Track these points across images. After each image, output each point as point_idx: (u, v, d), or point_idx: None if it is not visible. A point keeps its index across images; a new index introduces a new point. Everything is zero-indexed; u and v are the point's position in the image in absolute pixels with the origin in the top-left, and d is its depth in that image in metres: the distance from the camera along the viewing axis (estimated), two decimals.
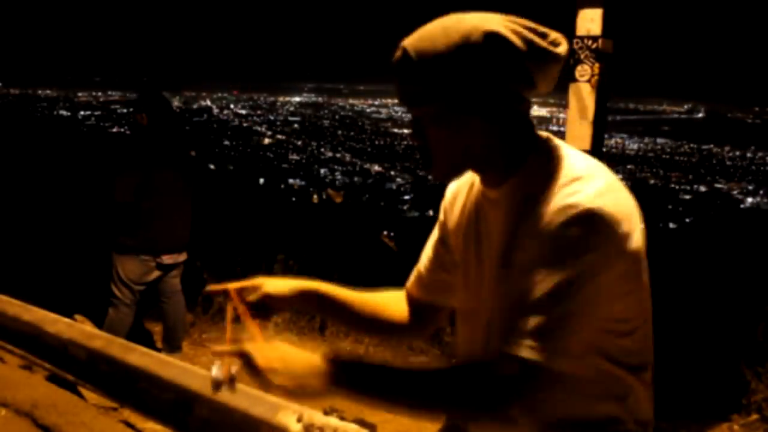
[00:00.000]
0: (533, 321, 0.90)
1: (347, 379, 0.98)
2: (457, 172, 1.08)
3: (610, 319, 0.97)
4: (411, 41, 0.99)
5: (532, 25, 0.98)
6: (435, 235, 1.27)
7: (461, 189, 1.19)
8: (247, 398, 1.81)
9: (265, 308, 1.22)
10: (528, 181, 1.00)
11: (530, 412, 0.98)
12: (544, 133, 1.05)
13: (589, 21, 2.72)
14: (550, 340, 0.90)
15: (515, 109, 1.00)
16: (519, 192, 1.01)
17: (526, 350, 0.90)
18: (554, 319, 0.90)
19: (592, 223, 0.90)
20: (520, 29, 0.96)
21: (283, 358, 1.03)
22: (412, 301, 1.32)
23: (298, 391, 1.00)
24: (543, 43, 0.96)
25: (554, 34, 0.99)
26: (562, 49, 0.98)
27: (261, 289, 1.22)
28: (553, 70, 0.99)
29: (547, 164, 0.99)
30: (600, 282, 0.92)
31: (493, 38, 0.94)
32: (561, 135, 2.18)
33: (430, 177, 1.08)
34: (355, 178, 47.12)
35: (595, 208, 0.91)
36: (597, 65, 2.73)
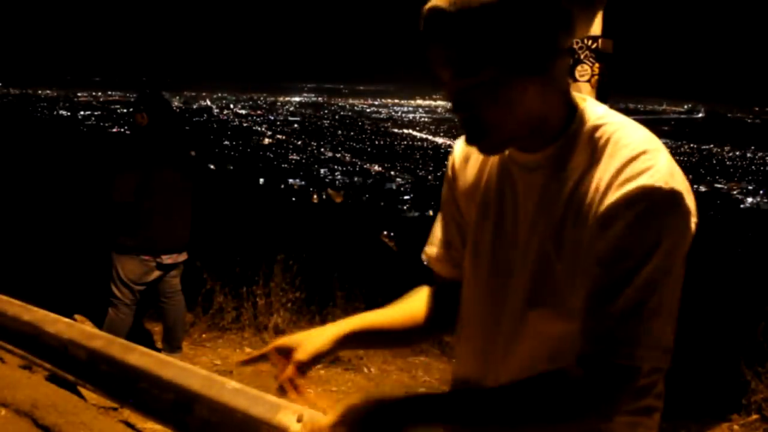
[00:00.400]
0: (623, 321, 0.82)
1: (414, 415, 0.88)
2: (514, 142, 0.95)
3: None
4: (451, 5, 0.85)
5: None
6: (444, 207, 1.15)
7: (473, 151, 1.06)
8: (247, 398, 1.81)
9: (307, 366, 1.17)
10: (576, 149, 0.91)
11: (659, 399, 0.98)
12: (581, 95, 0.97)
13: None
14: (648, 338, 0.82)
15: (563, 65, 0.91)
16: (565, 160, 0.92)
17: (625, 355, 0.82)
18: (649, 315, 0.82)
19: (673, 204, 0.83)
20: None
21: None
22: (439, 287, 1.19)
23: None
24: None
25: None
26: None
27: (300, 349, 1.18)
28: (594, 11, 0.91)
29: (598, 131, 0.91)
30: (678, 267, 0.85)
31: None
32: None
33: (480, 149, 0.96)
34: (355, 178, 47.13)
35: (673, 188, 0.83)
36: (597, 65, 2.73)
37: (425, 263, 1.20)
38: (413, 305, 1.20)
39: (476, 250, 1.04)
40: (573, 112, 0.94)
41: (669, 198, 0.83)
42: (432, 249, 1.17)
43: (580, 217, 0.89)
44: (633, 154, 0.86)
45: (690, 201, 0.86)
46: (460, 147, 1.11)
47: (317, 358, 1.15)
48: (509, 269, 0.98)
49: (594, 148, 0.90)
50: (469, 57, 0.86)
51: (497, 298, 1.00)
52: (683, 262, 0.87)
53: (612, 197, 0.85)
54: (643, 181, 0.83)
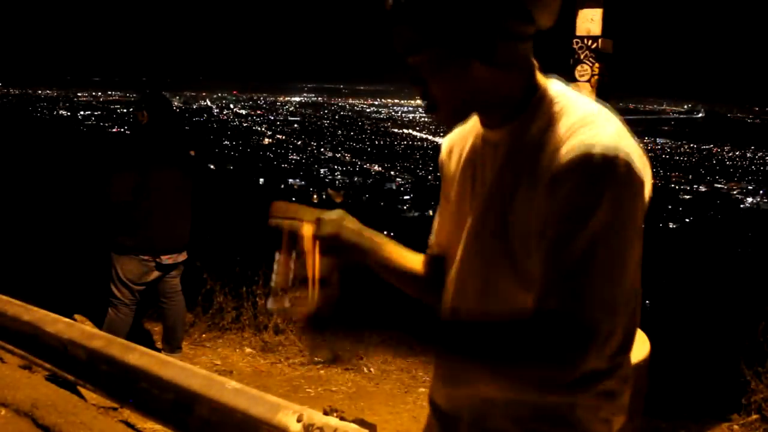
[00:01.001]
0: (570, 274, 0.85)
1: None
2: (462, 116, 1.05)
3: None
4: None
5: None
6: (441, 195, 1.23)
7: (457, 139, 1.16)
8: (247, 398, 1.82)
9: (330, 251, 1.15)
10: (533, 122, 0.97)
11: (624, 382, 0.99)
12: (549, 76, 1.02)
13: (589, 21, 2.72)
14: (589, 292, 0.84)
15: (516, 48, 0.95)
16: (523, 133, 0.98)
17: (564, 304, 0.85)
18: (591, 269, 0.84)
19: (615, 165, 0.86)
20: None
21: None
22: (434, 261, 1.25)
23: None
24: None
25: None
26: None
27: (332, 226, 1.16)
28: (553, 1, 0.95)
29: (554, 105, 0.96)
30: (627, 233, 0.87)
31: None
32: None
33: (436, 120, 1.03)
34: (355, 178, 47.13)
35: (616, 147, 0.87)
36: (597, 65, 2.73)
37: (427, 252, 1.27)
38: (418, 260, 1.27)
39: (458, 225, 1.10)
40: (534, 91, 0.99)
41: (610, 162, 0.86)
42: (431, 237, 1.27)
43: (532, 180, 0.93)
44: (581, 118, 0.92)
45: (638, 167, 0.88)
46: (445, 142, 1.20)
47: (342, 248, 1.18)
48: (478, 239, 1.04)
49: (549, 118, 0.95)
50: (415, 36, 0.93)
51: (467, 266, 1.06)
52: (637, 232, 0.89)
53: (558, 161, 0.89)
54: (587, 141, 0.87)
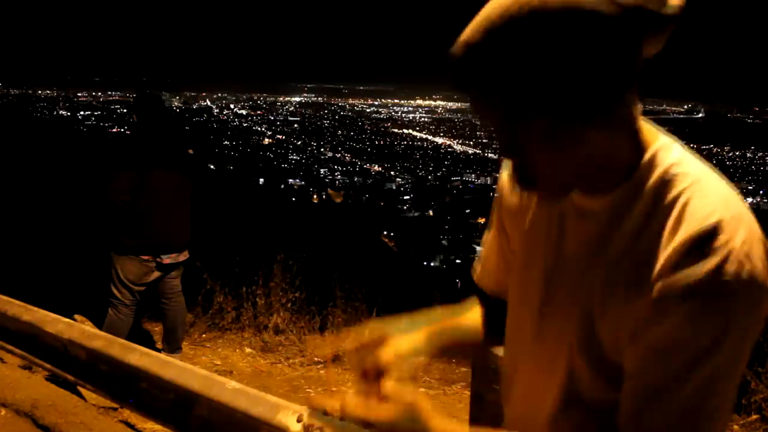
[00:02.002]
0: (683, 422, 0.72)
1: None
2: (569, 190, 0.83)
3: None
4: (487, 41, 0.71)
5: None
6: (492, 226, 1.07)
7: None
8: (247, 398, 1.81)
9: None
10: (639, 198, 0.79)
11: None
12: (659, 129, 0.83)
13: None
14: None
15: (632, 100, 0.77)
16: (625, 209, 0.80)
17: None
18: (705, 418, 0.72)
19: (745, 294, 0.70)
20: None
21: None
22: (485, 299, 1.12)
23: None
24: (650, 5, 0.71)
25: None
26: (676, 4, 0.73)
27: (387, 351, 0.95)
28: (663, 37, 0.75)
29: (668, 181, 0.77)
30: (743, 362, 0.73)
31: (597, 18, 0.68)
32: None
33: (538, 197, 0.88)
34: (355, 178, 47.14)
35: (751, 274, 0.70)
36: None
37: (474, 281, 1.13)
38: (475, 317, 1.12)
39: (522, 285, 0.95)
40: (641, 154, 0.80)
41: (741, 286, 0.70)
42: (478, 265, 1.12)
43: (630, 280, 0.77)
44: (705, 227, 0.72)
45: (766, 277, 0.71)
46: (506, 170, 1.02)
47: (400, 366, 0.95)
48: (553, 315, 0.89)
49: (659, 203, 0.77)
50: (518, 104, 0.73)
51: (543, 339, 0.91)
52: (750, 351, 0.74)
53: (674, 277, 0.72)
54: (712, 264, 0.70)
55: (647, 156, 0.79)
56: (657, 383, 0.73)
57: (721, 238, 0.71)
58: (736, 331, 0.71)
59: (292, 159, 53.33)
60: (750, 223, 0.73)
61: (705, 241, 0.71)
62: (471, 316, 1.12)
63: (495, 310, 1.08)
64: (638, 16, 0.70)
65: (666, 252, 0.73)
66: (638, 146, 0.80)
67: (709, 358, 0.70)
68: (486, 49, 0.72)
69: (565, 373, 0.86)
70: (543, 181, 0.80)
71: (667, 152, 0.80)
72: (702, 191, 0.75)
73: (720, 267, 0.70)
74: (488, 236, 1.09)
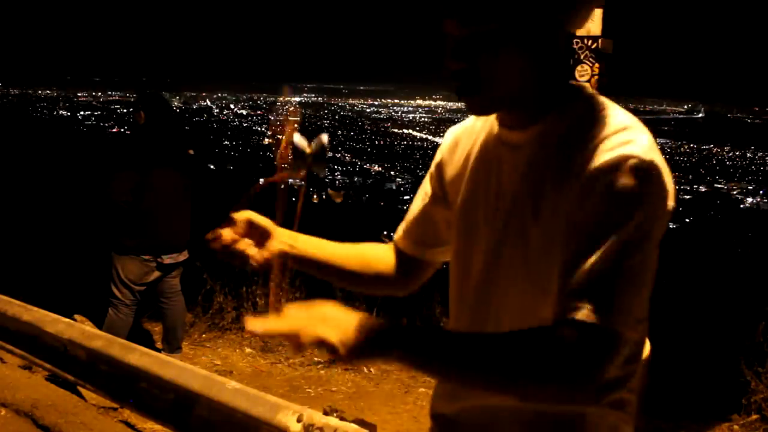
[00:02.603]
0: (597, 282, 0.82)
1: (400, 339, 0.86)
2: (500, 106, 0.97)
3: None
4: None
5: None
6: (426, 187, 1.19)
7: (463, 136, 1.11)
8: (247, 398, 1.82)
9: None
10: (563, 125, 0.94)
11: (633, 393, 0.98)
12: (579, 82, 1.00)
13: (589, 21, 2.72)
14: (617, 301, 0.82)
15: (559, 42, 0.95)
16: (551, 135, 0.94)
17: (590, 314, 0.80)
18: (619, 278, 0.82)
19: (650, 176, 0.85)
20: None
21: (326, 316, 0.90)
22: (399, 254, 1.24)
23: (343, 345, 0.86)
24: None
25: None
26: None
27: (277, 243, 1.16)
28: (592, 6, 0.97)
29: (587, 110, 0.94)
30: (652, 244, 0.86)
31: None
32: None
33: (470, 105, 0.97)
34: (355, 178, 47.13)
35: (651, 160, 0.85)
36: (597, 65, 2.73)
37: (394, 240, 1.26)
38: (375, 252, 1.26)
39: (468, 232, 1.05)
40: (566, 92, 0.97)
41: (646, 169, 0.85)
42: (401, 227, 1.24)
43: (558, 186, 0.90)
44: (616, 128, 0.89)
45: (668, 180, 0.88)
46: (450, 134, 1.15)
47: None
48: (498, 245, 1.00)
49: (580, 125, 0.92)
50: (477, 6, 0.89)
51: (486, 276, 1.02)
52: (657, 244, 0.88)
53: (593, 164, 0.86)
54: (623, 150, 0.85)
55: (569, 94, 0.96)
56: (579, 252, 0.83)
57: (632, 134, 0.88)
58: (643, 209, 0.84)
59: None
60: (651, 136, 0.90)
61: (618, 135, 0.87)
62: (356, 247, 1.25)
63: (408, 267, 1.23)
64: None
65: (585, 151, 0.88)
66: (570, 90, 0.97)
67: (622, 228, 0.82)
68: None
69: (510, 293, 0.97)
70: (484, 88, 0.93)
71: (587, 93, 0.98)
72: (614, 111, 0.93)
73: (631, 153, 0.85)
74: (417, 201, 1.21)
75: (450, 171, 1.12)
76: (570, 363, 0.81)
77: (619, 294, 0.82)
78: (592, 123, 0.91)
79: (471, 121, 1.11)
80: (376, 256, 1.25)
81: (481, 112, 1.01)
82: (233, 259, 1.18)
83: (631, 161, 0.84)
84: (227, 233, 1.19)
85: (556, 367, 0.81)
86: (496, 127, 1.03)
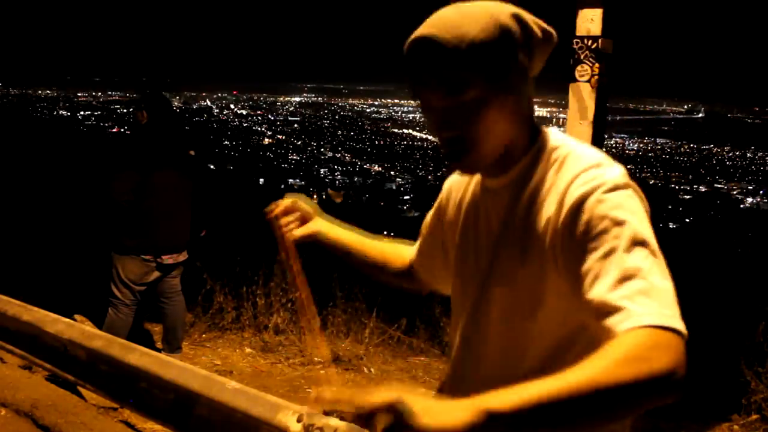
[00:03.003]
0: (647, 283, 0.85)
1: (508, 417, 0.74)
2: (489, 160, 1.04)
3: None
4: (436, 30, 0.97)
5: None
6: (431, 221, 1.30)
7: (455, 185, 1.22)
8: (247, 398, 1.81)
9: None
10: (536, 167, 1.03)
11: None
12: (545, 128, 1.09)
13: (589, 21, 2.72)
14: (670, 294, 0.86)
15: (528, 87, 1.04)
16: (527, 177, 1.03)
17: (672, 320, 0.81)
18: (658, 271, 0.87)
19: (631, 187, 0.94)
20: (524, 15, 1.01)
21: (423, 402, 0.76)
22: (412, 267, 1.38)
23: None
24: (545, 27, 1.03)
25: (542, 23, 1.04)
26: (554, 35, 1.05)
27: (309, 225, 1.39)
28: (545, 54, 1.05)
29: (558, 150, 1.02)
30: (647, 227, 0.92)
31: (518, 19, 0.99)
32: None
33: (461, 167, 1.08)
34: (355, 178, 47.11)
35: (627, 182, 0.94)
36: (597, 65, 2.73)
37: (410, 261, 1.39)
38: (395, 250, 1.42)
39: (461, 269, 1.15)
40: (535, 136, 1.06)
41: (624, 186, 0.94)
42: (415, 252, 1.38)
43: (539, 223, 0.98)
44: (590, 164, 0.97)
45: (643, 197, 0.96)
46: (447, 182, 1.26)
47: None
48: (485, 277, 1.08)
49: (553, 165, 1.01)
50: (459, 78, 0.97)
51: (477, 306, 1.09)
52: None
53: (570, 200, 0.94)
54: (598, 180, 0.94)
55: (540, 136, 1.05)
56: (599, 261, 0.88)
57: (603, 169, 0.96)
58: (636, 212, 0.91)
59: (292, 159, 53.30)
60: (622, 168, 0.98)
61: (591, 171, 0.96)
62: (384, 243, 1.42)
63: (417, 278, 1.37)
64: (512, 35, 0.99)
65: (563, 186, 0.96)
66: (532, 133, 1.06)
67: (624, 229, 0.89)
68: (445, 40, 0.96)
69: (509, 331, 1.04)
70: (473, 150, 1.01)
71: (552, 135, 1.06)
72: (583, 150, 1.02)
73: (601, 180, 0.93)
74: (427, 228, 1.32)
75: (446, 216, 1.23)
76: (664, 369, 0.77)
77: (662, 290, 0.85)
78: (564, 162, 1.00)
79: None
80: (401, 257, 1.39)
81: (471, 171, 1.09)
82: (277, 229, 1.37)
83: (610, 183, 0.93)
84: (281, 206, 1.37)
85: (655, 378, 0.77)
86: (478, 177, 1.13)
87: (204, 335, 4.53)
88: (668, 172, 47.98)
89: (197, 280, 4.51)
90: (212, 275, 4.60)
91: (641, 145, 63.27)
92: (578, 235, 0.92)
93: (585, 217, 0.92)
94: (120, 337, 2.92)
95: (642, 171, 48.82)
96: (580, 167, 0.97)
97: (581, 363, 0.78)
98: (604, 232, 0.89)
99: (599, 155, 1.00)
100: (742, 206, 38.80)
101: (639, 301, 0.83)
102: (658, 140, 66.01)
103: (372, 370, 3.99)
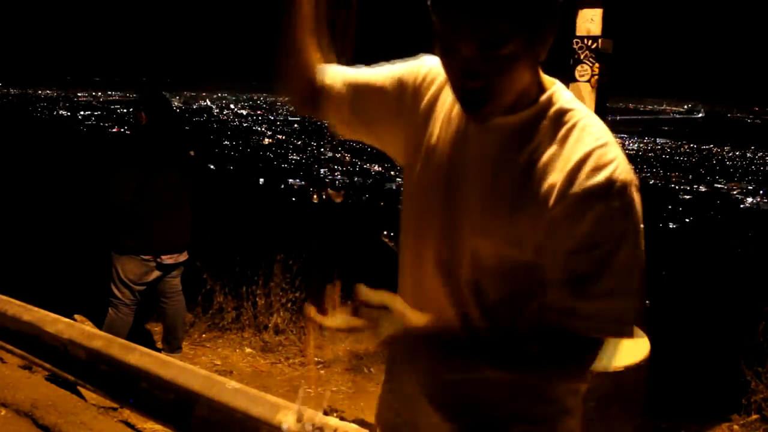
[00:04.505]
0: (615, 298, 0.95)
1: (461, 343, 1.04)
2: (503, 109, 1.00)
3: None
4: None
5: None
6: (393, 75, 1.17)
7: (442, 81, 1.11)
8: (247, 398, 1.81)
9: None
10: (541, 122, 1.00)
11: None
12: (552, 79, 1.05)
13: (589, 21, 2.72)
14: (629, 314, 0.96)
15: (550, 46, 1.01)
16: (528, 129, 1.00)
17: (615, 331, 0.98)
18: (627, 294, 0.95)
19: (634, 196, 0.94)
20: None
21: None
22: (323, 85, 1.21)
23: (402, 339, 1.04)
24: None
25: None
26: None
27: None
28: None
29: (567, 112, 0.99)
30: (642, 239, 0.96)
31: None
32: None
33: (477, 117, 1.00)
34: (355, 178, 47.10)
35: (633, 180, 0.94)
36: (597, 65, 2.73)
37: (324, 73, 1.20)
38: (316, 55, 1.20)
39: (423, 189, 1.10)
40: (543, 89, 1.02)
41: (629, 185, 0.93)
42: (335, 73, 1.20)
43: (537, 186, 0.97)
44: (599, 144, 0.95)
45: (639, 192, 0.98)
46: (428, 68, 1.14)
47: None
48: (460, 208, 1.04)
49: (560, 129, 0.98)
50: (500, 32, 0.90)
51: (440, 261, 1.06)
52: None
53: (580, 185, 0.93)
54: (610, 173, 0.93)
55: (548, 91, 1.01)
56: (585, 274, 0.93)
57: (611, 151, 0.94)
58: (634, 224, 0.93)
59: (292, 159, 53.28)
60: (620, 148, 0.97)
61: (601, 154, 0.94)
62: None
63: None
64: None
65: (571, 164, 0.94)
66: (541, 83, 1.02)
67: (621, 247, 0.93)
68: None
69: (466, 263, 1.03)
70: (493, 102, 0.97)
71: (563, 92, 1.03)
72: (592, 121, 0.99)
73: (614, 174, 0.92)
74: (375, 73, 1.19)
75: (415, 100, 1.13)
76: (576, 364, 1.01)
77: (626, 309, 0.96)
78: (573, 131, 0.97)
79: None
80: (317, 64, 1.20)
81: (484, 120, 1.02)
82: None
83: (620, 184, 0.92)
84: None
85: (565, 367, 1.02)
86: None
87: (204, 335, 4.53)
88: (668, 172, 47.95)
89: (197, 280, 4.51)
90: (212, 275, 4.60)
91: (641, 145, 63.21)
92: (577, 229, 0.93)
93: (590, 216, 0.92)
94: (120, 337, 2.92)
95: (642, 171, 48.77)
96: (589, 145, 0.95)
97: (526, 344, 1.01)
98: (601, 243, 0.93)
99: (602, 130, 0.98)
100: (742, 206, 38.79)
101: (599, 312, 0.95)
102: (658, 140, 65.98)
103: (372, 370, 3.99)
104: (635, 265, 0.94)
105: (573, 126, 0.98)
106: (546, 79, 1.03)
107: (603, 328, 0.96)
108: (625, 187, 0.92)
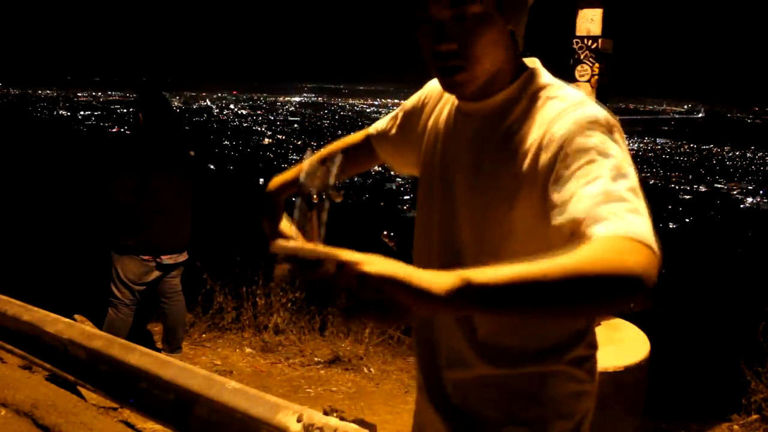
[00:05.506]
0: (630, 202, 0.86)
1: (477, 288, 0.77)
2: (480, 81, 1.03)
3: None
4: None
5: None
6: (405, 112, 1.28)
7: (435, 95, 1.20)
8: (247, 398, 1.82)
9: None
10: (518, 101, 1.02)
11: (592, 348, 1.12)
12: (532, 60, 1.09)
13: (589, 21, 2.72)
14: (648, 221, 0.87)
15: (523, 29, 1.05)
16: (505, 109, 1.03)
17: (651, 240, 0.82)
18: (639, 196, 0.89)
19: (616, 127, 0.96)
20: None
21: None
22: (369, 139, 1.39)
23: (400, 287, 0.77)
24: None
25: None
26: None
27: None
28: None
29: (542, 89, 1.02)
30: (629, 162, 0.95)
31: None
32: None
33: (451, 85, 1.02)
34: (355, 178, 47.10)
35: (615, 122, 0.96)
36: (597, 65, 2.73)
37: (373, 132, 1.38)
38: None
39: (427, 194, 1.15)
40: (521, 72, 1.05)
41: (609, 119, 0.95)
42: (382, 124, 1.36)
43: (519, 152, 0.98)
44: (576, 101, 0.98)
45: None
46: (431, 85, 1.22)
47: None
48: (452, 208, 1.08)
49: (536, 102, 1.01)
50: None
51: (439, 237, 1.10)
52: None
53: (563, 127, 0.94)
54: (584, 110, 0.95)
55: (525, 73, 1.05)
56: (584, 186, 0.89)
57: (586, 104, 0.97)
58: (621, 145, 0.94)
59: (292, 159, 53.29)
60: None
61: (578, 106, 0.96)
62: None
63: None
64: None
65: (546, 120, 0.97)
66: (520, 67, 1.05)
67: (610, 159, 0.90)
68: None
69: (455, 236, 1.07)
70: (468, 67, 0.99)
71: (541, 72, 1.06)
72: (569, 91, 1.02)
73: (590, 111, 0.95)
74: (386, 125, 1.33)
75: (415, 116, 1.23)
76: (641, 267, 0.78)
77: (642, 211, 0.87)
78: (546, 101, 1.00)
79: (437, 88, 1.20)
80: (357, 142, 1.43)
81: (462, 89, 1.03)
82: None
83: (594, 115, 0.94)
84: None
85: (620, 278, 0.78)
86: (454, 100, 1.12)
87: (204, 335, 4.53)
88: (668, 172, 47.93)
89: (197, 280, 4.51)
90: (212, 275, 4.60)
91: (641, 145, 63.19)
92: (564, 165, 0.92)
93: (572, 147, 0.92)
94: (120, 337, 2.92)
95: (642, 171, 48.73)
96: (565, 104, 0.98)
97: (558, 253, 0.79)
98: (591, 162, 0.90)
99: (580, 94, 1.01)
100: (742, 206, 38.78)
101: (624, 217, 0.84)
102: (658, 140, 65.99)
103: (372, 370, 3.99)
104: (625, 170, 0.91)
105: (549, 97, 1.00)
106: (527, 61, 1.07)
107: (632, 223, 0.83)
108: (601, 115, 0.95)
